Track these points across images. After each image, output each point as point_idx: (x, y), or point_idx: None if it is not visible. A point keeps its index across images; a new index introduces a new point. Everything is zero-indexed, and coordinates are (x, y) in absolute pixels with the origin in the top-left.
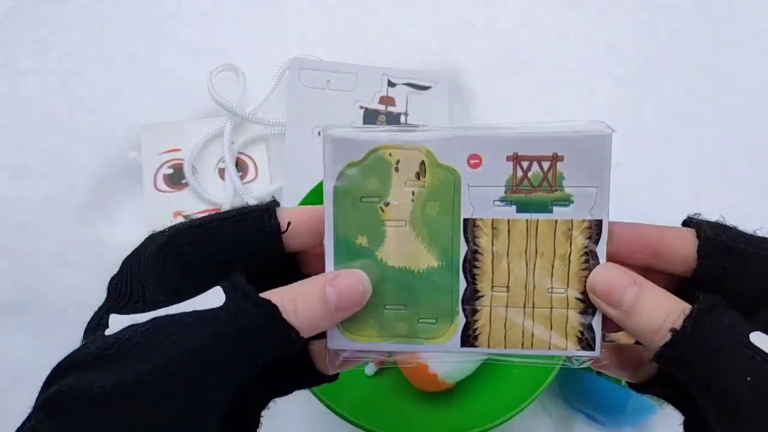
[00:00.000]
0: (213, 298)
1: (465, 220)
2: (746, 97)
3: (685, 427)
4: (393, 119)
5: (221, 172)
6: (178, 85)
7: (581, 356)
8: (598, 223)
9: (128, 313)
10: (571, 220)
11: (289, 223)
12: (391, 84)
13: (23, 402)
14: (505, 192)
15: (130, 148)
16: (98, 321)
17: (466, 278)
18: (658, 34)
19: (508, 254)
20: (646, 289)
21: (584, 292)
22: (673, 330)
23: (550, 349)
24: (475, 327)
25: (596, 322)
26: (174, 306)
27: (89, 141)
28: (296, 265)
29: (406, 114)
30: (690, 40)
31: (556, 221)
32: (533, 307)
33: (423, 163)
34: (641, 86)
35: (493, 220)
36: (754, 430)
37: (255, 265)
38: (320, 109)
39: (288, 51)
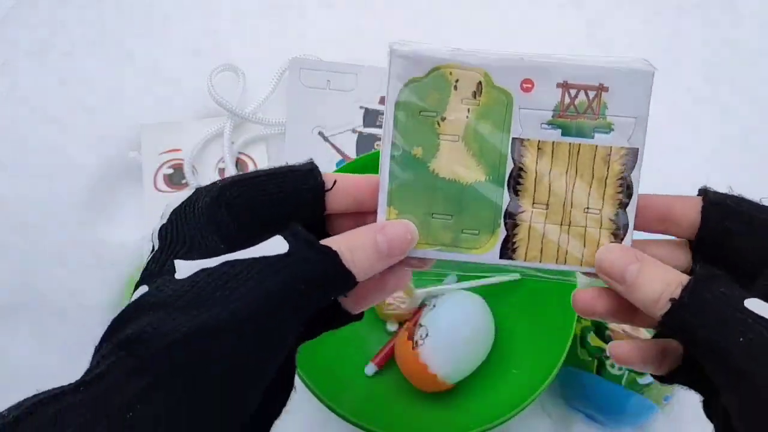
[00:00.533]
0: (277, 245)
1: (513, 139)
2: (746, 97)
3: (703, 407)
4: None
5: (221, 172)
6: (178, 85)
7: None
8: (635, 152)
9: (190, 259)
10: (611, 146)
11: (335, 182)
12: None
13: None
14: (552, 116)
15: (130, 148)
16: (159, 267)
17: (509, 194)
18: (658, 34)
19: (550, 174)
20: (647, 265)
21: (617, 214)
22: (672, 300)
23: (581, 265)
24: (513, 240)
25: (626, 242)
26: (240, 252)
27: (89, 141)
28: (326, 230)
29: None
30: (690, 40)
31: (596, 147)
32: (569, 225)
33: (480, 83)
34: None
35: (539, 141)
36: (750, 388)
37: (298, 221)
38: (320, 109)
39: (288, 51)
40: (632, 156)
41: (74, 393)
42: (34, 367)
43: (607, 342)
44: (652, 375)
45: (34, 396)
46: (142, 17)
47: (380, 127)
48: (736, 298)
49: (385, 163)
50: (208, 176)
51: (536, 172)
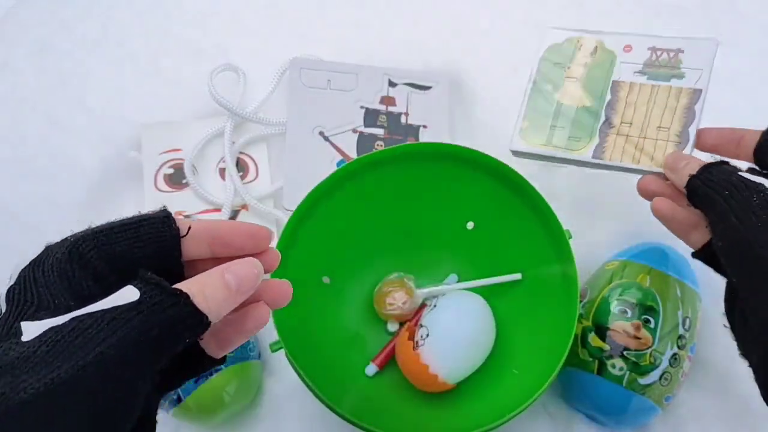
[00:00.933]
0: (128, 294)
1: (613, 81)
2: (747, 97)
3: (726, 293)
4: (394, 119)
5: (222, 172)
6: (179, 84)
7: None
8: (699, 91)
9: (38, 320)
10: (682, 87)
11: (189, 227)
12: (391, 84)
13: None
14: (643, 67)
15: (131, 148)
16: (6, 331)
17: (604, 114)
18: (658, 34)
19: (636, 103)
20: (693, 160)
21: (680, 132)
22: (690, 175)
23: (651, 165)
24: (603, 146)
25: (687, 150)
26: (91, 306)
27: (89, 141)
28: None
29: (406, 114)
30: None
31: (671, 87)
32: (644, 138)
33: (596, 47)
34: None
35: (630, 83)
36: (732, 229)
37: (154, 270)
38: (321, 109)
39: (289, 51)
40: (697, 94)
41: None
42: None
43: (607, 343)
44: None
45: None
46: (143, 17)
47: (380, 126)
48: (731, 171)
49: (527, 92)
50: (208, 176)
51: (626, 101)
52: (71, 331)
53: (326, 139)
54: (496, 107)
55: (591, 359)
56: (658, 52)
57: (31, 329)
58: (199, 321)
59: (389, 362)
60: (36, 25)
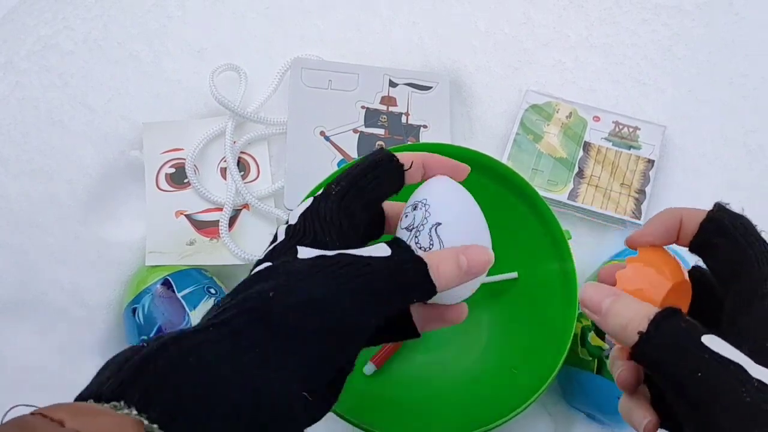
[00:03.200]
0: (382, 249)
1: (585, 141)
2: (747, 97)
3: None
4: (394, 119)
5: (223, 172)
6: (180, 84)
7: (631, 221)
8: (652, 161)
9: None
10: (639, 156)
11: (412, 162)
12: (392, 84)
13: (23, 401)
14: (608, 135)
15: (132, 147)
16: (285, 251)
17: (579, 167)
18: (657, 34)
19: (603, 162)
20: (620, 299)
21: (639, 190)
22: (639, 333)
23: (616, 211)
24: (577, 190)
25: (644, 206)
26: (355, 250)
27: (91, 140)
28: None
29: (407, 114)
30: (690, 41)
31: (630, 154)
32: (610, 191)
33: (571, 113)
34: (641, 87)
35: (599, 146)
36: (704, 418)
37: (388, 197)
38: (322, 109)
39: (290, 51)
40: (651, 163)
41: (201, 332)
42: (34, 366)
43: (606, 342)
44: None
45: (158, 338)
46: (145, 17)
47: (381, 126)
48: (695, 335)
49: (509, 141)
50: (209, 175)
51: (595, 159)
52: (336, 263)
53: (327, 138)
54: (496, 107)
55: (591, 358)
56: (620, 126)
57: (305, 252)
58: (429, 288)
59: (387, 361)
60: (38, 25)
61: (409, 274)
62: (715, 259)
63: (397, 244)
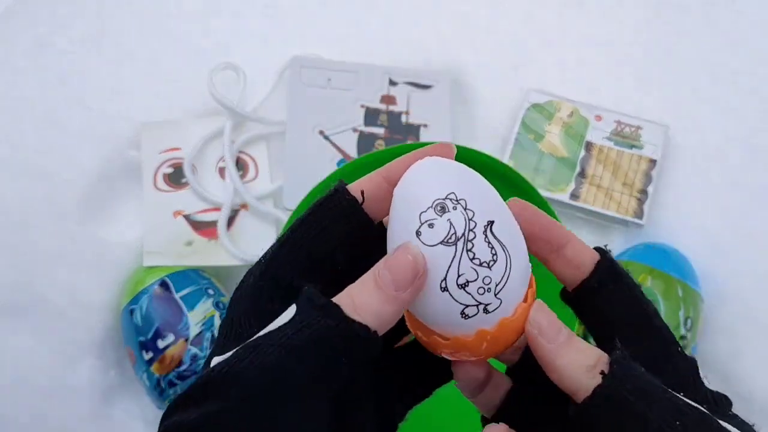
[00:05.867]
0: (288, 314)
1: (587, 141)
2: (748, 97)
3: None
4: (394, 118)
5: (221, 171)
6: (178, 83)
7: (634, 221)
8: (654, 161)
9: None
10: (641, 155)
11: (362, 192)
12: (392, 83)
13: (23, 402)
14: (610, 134)
15: (130, 147)
16: (206, 364)
17: (581, 166)
18: (660, 33)
19: (605, 162)
20: (571, 340)
21: (641, 190)
22: (602, 372)
23: (618, 211)
24: (579, 190)
25: (646, 206)
26: (260, 332)
27: (89, 140)
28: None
29: (407, 113)
30: (692, 40)
31: (632, 154)
32: (612, 191)
33: (572, 112)
34: (643, 86)
35: (600, 145)
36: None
37: (355, 250)
38: (321, 108)
39: (289, 49)
40: (653, 163)
41: None
42: (33, 367)
43: None
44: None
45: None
46: (142, 15)
47: (381, 126)
48: (655, 381)
49: (510, 141)
50: (208, 175)
51: (597, 159)
52: (226, 363)
53: (326, 138)
54: (497, 106)
55: None
56: (623, 126)
57: (215, 364)
58: (357, 335)
59: None
60: (35, 24)
61: (319, 329)
62: (608, 306)
63: (302, 298)
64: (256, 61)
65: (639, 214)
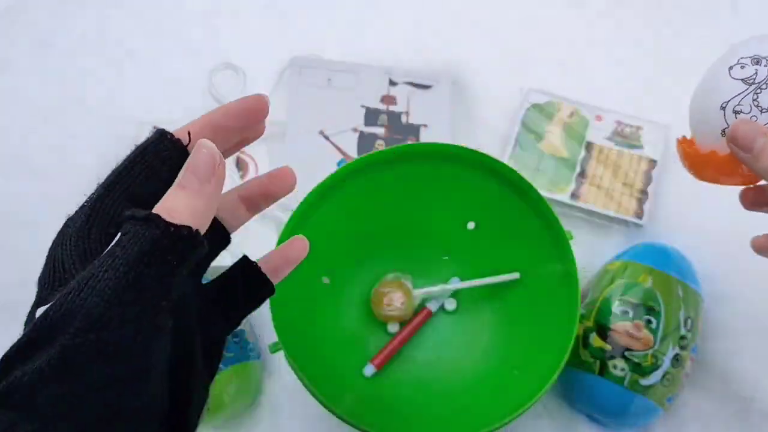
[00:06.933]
0: (115, 240)
1: (587, 141)
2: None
3: None
4: (394, 118)
5: None
6: (179, 83)
7: (634, 221)
8: (655, 161)
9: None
10: (641, 155)
11: (189, 133)
12: (392, 83)
13: None
14: (610, 134)
15: (130, 147)
16: (29, 319)
17: (581, 167)
18: (659, 33)
19: (605, 162)
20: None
21: (642, 190)
22: None
23: (618, 211)
24: (579, 190)
25: (647, 206)
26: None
27: (89, 139)
28: None
29: (407, 113)
30: (692, 39)
31: (633, 154)
32: (613, 191)
33: (573, 112)
34: (643, 86)
35: (601, 145)
36: None
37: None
38: (321, 108)
39: (289, 50)
40: (654, 163)
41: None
42: None
43: (609, 343)
44: None
45: None
46: (142, 16)
47: (381, 126)
48: None
49: (511, 141)
50: None
51: (597, 159)
52: (59, 301)
53: (327, 138)
54: (497, 106)
55: (593, 360)
56: (623, 126)
57: (41, 313)
58: (181, 236)
59: (387, 363)
60: (35, 24)
61: (146, 241)
62: None
63: (125, 219)
64: (256, 62)
65: (639, 214)
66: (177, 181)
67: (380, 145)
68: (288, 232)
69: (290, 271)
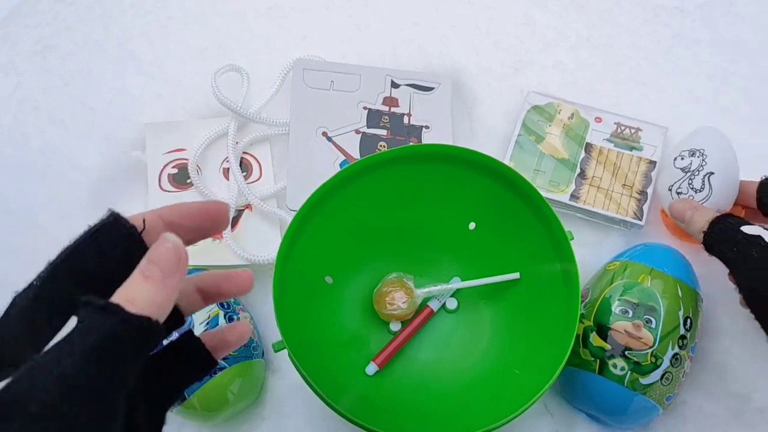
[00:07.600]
0: (71, 325)
1: (587, 143)
2: (748, 98)
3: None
4: (396, 120)
5: (225, 172)
6: (182, 85)
7: (633, 222)
8: (654, 162)
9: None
10: (640, 157)
11: (144, 220)
12: (394, 85)
13: None
14: (610, 136)
15: (134, 148)
16: None
17: (581, 168)
18: (658, 35)
19: (605, 163)
20: (698, 211)
21: (641, 191)
22: (703, 231)
23: (617, 212)
24: (579, 191)
25: (646, 207)
26: (45, 348)
27: (93, 141)
28: None
29: (409, 115)
30: (690, 41)
31: (632, 155)
32: (612, 192)
33: (573, 113)
34: (642, 87)
35: (600, 147)
36: (742, 279)
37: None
38: (324, 110)
39: (292, 52)
40: (653, 165)
41: None
42: None
43: (608, 342)
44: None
45: None
46: (146, 17)
47: (383, 127)
48: (737, 226)
49: (511, 142)
50: (212, 176)
51: (597, 160)
52: (10, 387)
53: (329, 139)
54: (498, 108)
55: (592, 359)
56: (622, 127)
57: None
58: (141, 326)
59: (390, 362)
60: (39, 26)
61: (105, 330)
62: None
63: (80, 305)
64: (260, 63)
65: (639, 214)
66: (139, 270)
67: (383, 147)
68: (291, 232)
69: (229, 352)
